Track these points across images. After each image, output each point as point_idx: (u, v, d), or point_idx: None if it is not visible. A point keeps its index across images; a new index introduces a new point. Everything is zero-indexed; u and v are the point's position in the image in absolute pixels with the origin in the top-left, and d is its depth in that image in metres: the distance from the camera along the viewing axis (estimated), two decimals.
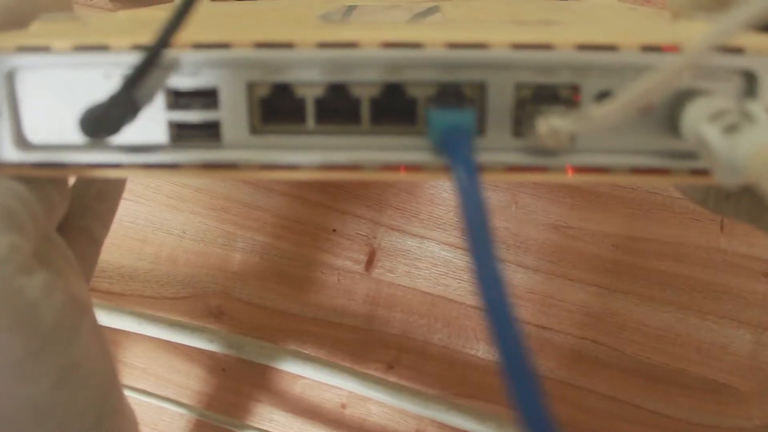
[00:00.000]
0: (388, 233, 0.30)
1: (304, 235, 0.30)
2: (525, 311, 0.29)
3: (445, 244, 0.29)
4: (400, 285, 0.29)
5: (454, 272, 0.29)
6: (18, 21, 0.13)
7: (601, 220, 0.29)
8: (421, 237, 0.29)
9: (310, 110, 0.12)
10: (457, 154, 0.11)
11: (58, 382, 0.12)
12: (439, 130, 0.11)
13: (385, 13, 0.19)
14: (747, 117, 0.10)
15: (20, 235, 0.12)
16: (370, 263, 0.30)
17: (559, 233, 0.29)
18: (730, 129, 0.09)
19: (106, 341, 0.14)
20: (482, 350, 0.29)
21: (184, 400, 0.30)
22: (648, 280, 0.28)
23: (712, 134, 0.10)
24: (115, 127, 0.11)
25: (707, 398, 0.27)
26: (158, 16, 0.17)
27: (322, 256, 0.30)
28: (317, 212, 0.30)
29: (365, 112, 0.12)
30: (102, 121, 0.11)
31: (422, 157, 0.12)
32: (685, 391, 0.27)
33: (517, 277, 0.29)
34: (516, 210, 0.29)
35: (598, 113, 0.10)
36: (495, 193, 0.29)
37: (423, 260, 0.29)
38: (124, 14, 0.17)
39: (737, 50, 0.11)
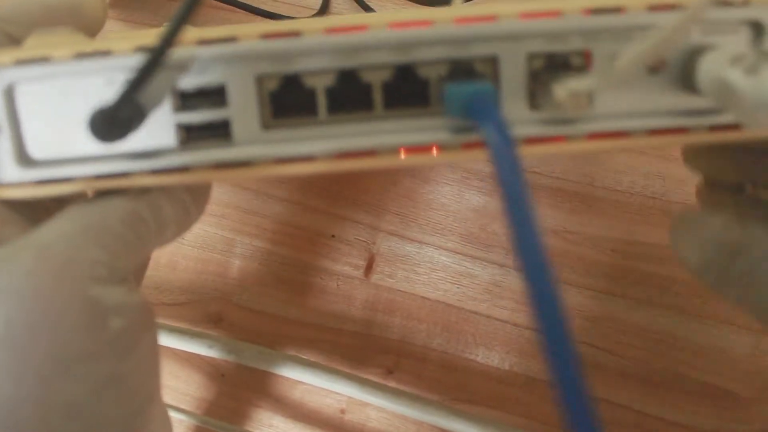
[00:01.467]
0: (387, 238, 0.30)
1: (303, 240, 0.30)
2: (524, 316, 0.29)
3: (444, 249, 0.29)
4: (399, 290, 0.29)
5: (453, 277, 0.29)
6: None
7: (600, 225, 0.29)
8: (420, 242, 0.29)
9: (321, 100, 0.12)
10: (486, 116, 0.11)
11: (97, 389, 0.12)
12: (461, 99, 0.11)
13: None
14: (766, 56, 0.10)
15: (105, 252, 0.12)
16: (369, 268, 0.30)
17: (558, 238, 0.29)
18: (752, 70, 0.10)
19: (158, 361, 0.14)
20: (481, 355, 0.29)
21: (184, 406, 0.30)
22: (647, 284, 0.28)
23: (736, 76, 0.10)
24: (125, 129, 0.11)
25: (706, 403, 0.27)
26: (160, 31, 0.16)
27: (321, 262, 0.30)
28: (316, 218, 0.30)
29: (377, 97, 0.12)
30: (112, 122, 0.11)
31: (439, 136, 0.12)
32: (684, 395, 0.27)
33: (516, 282, 0.29)
34: None
35: (618, 64, 0.10)
36: (493, 198, 0.29)
37: (422, 265, 0.29)
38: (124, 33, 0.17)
39: (744, 3, 0.11)
